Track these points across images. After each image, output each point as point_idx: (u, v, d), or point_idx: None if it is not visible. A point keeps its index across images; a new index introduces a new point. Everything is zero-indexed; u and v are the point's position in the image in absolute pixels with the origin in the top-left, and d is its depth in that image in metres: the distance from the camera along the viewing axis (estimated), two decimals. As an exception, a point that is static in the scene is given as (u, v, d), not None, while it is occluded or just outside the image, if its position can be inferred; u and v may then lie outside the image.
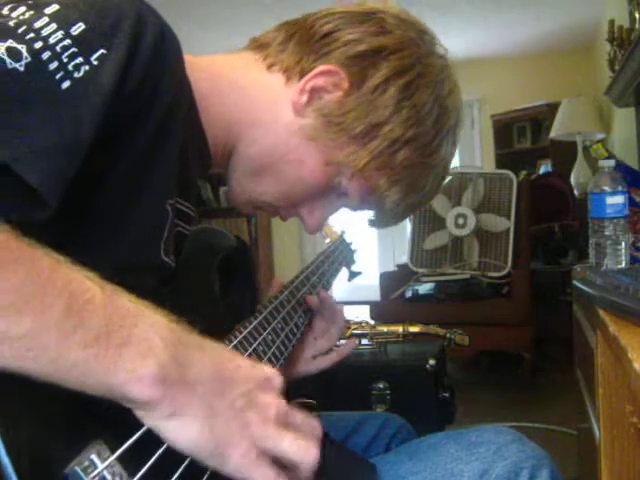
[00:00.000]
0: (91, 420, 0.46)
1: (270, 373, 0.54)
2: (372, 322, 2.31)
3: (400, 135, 0.68)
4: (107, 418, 0.46)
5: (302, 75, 0.69)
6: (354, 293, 5.66)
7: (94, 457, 0.44)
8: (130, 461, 0.46)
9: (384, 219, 0.79)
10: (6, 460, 0.40)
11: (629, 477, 0.98)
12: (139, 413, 0.46)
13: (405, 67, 0.68)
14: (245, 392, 0.51)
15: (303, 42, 0.69)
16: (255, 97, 0.70)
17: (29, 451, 0.42)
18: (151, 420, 0.47)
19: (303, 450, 0.52)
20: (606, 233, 1.24)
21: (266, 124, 0.70)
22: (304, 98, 0.68)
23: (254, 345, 0.69)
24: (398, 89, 0.67)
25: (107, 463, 0.45)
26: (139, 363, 0.44)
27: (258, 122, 0.70)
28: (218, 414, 0.49)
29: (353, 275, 1.33)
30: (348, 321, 2.05)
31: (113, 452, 0.46)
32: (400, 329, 2.02)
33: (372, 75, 0.67)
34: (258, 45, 0.73)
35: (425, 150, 0.71)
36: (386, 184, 0.71)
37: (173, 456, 0.48)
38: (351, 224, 1.35)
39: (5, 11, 0.50)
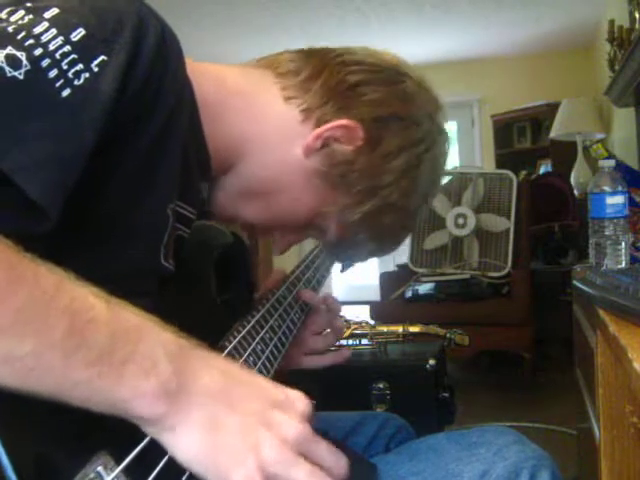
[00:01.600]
0: (95, 430, 0.45)
1: (294, 395, 0.52)
2: (372, 322, 2.31)
3: (394, 201, 0.71)
4: (111, 427, 0.45)
5: (320, 120, 0.68)
6: (354, 293, 5.66)
7: (100, 469, 0.44)
8: (135, 471, 0.46)
9: (350, 258, 0.85)
10: (11, 474, 0.39)
11: (629, 477, 0.98)
12: (143, 427, 0.46)
13: (418, 140, 0.71)
14: (260, 409, 0.49)
15: (329, 87, 0.68)
16: (267, 121, 0.69)
17: (34, 464, 0.41)
18: (154, 433, 0.46)
19: None
20: (606, 233, 1.24)
21: (276, 153, 0.70)
22: (317, 144, 0.68)
23: (252, 345, 0.69)
24: (406, 160, 0.70)
25: (113, 475, 0.44)
26: (142, 380, 0.44)
27: (268, 148, 0.69)
28: (224, 429, 0.47)
29: (346, 266, 1.33)
30: (348, 321, 2.05)
31: (118, 463, 0.45)
32: (400, 329, 2.02)
33: (388, 141, 0.69)
34: (278, 71, 0.71)
35: (408, 216, 0.75)
36: (365, 238, 0.75)
37: (178, 465, 0.48)
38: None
39: (3, 15, 0.49)
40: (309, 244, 1.03)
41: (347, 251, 0.81)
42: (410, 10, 4.24)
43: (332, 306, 0.93)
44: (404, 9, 4.22)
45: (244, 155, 0.70)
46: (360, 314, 2.36)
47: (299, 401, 0.51)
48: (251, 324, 0.71)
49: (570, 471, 1.77)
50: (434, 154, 0.73)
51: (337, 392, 1.69)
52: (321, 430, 0.55)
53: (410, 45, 4.88)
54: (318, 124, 0.68)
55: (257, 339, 0.71)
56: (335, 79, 0.69)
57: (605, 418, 1.03)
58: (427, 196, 0.77)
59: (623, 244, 1.24)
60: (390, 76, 0.71)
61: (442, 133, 0.75)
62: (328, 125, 0.67)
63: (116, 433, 0.46)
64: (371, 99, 0.68)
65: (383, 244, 0.78)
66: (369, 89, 0.69)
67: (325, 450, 0.50)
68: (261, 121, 0.69)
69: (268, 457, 0.47)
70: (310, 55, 0.72)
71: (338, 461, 0.51)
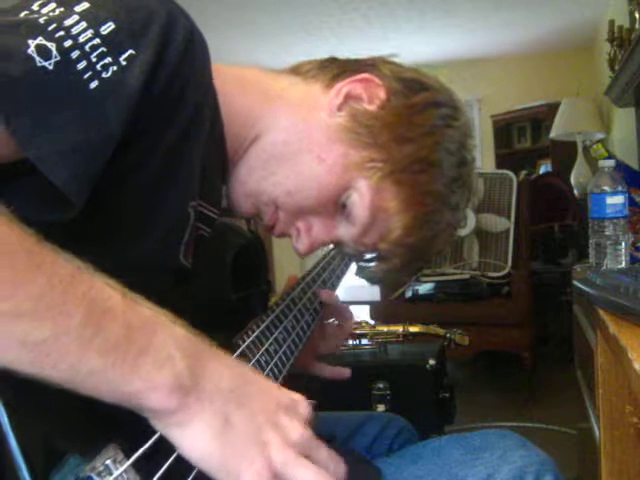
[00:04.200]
0: (106, 422, 0.46)
1: (297, 399, 0.53)
2: (372, 322, 2.31)
3: (427, 155, 0.68)
4: (122, 421, 0.45)
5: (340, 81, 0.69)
6: (354, 293, 5.65)
7: (109, 462, 0.44)
8: (143, 466, 0.46)
9: (378, 267, 0.75)
10: (21, 463, 0.40)
11: (629, 477, 0.98)
12: (153, 421, 0.46)
13: (442, 103, 0.70)
14: (267, 410, 0.50)
15: (348, 62, 0.71)
16: (287, 96, 0.70)
17: (44, 454, 0.42)
18: (164, 428, 0.46)
19: None
20: (606, 233, 1.25)
21: (295, 116, 0.69)
22: (339, 100, 0.68)
23: (266, 345, 0.69)
24: (434, 116, 0.69)
25: (122, 469, 0.45)
26: (156, 372, 0.44)
27: (287, 114, 0.69)
28: (234, 427, 0.48)
29: (362, 269, 1.32)
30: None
31: (127, 457, 0.45)
32: (400, 329, 2.02)
33: (411, 96, 0.68)
34: (298, 70, 0.74)
35: (447, 182, 0.69)
36: (398, 206, 0.68)
37: (186, 461, 0.48)
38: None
39: (35, 7, 0.50)
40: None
41: (380, 254, 0.73)
42: (410, 11, 4.24)
43: (339, 308, 0.93)
44: (404, 10, 4.22)
45: (265, 126, 0.69)
46: (360, 314, 2.36)
47: (301, 405, 0.52)
48: (265, 324, 0.71)
49: (570, 471, 1.77)
50: (459, 126, 0.71)
51: (337, 392, 1.69)
52: (328, 432, 0.55)
53: (410, 45, 4.88)
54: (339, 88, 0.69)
55: (271, 339, 0.70)
56: (354, 60, 0.72)
57: (605, 418, 1.03)
58: (460, 173, 0.71)
59: (623, 244, 1.24)
60: (414, 87, 0.71)
61: (463, 116, 0.73)
62: (347, 80, 0.69)
63: (127, 427, 0.46)
64: (391, 69, 0.70)
65: (421, 221, 0.69)
66: (387, 67, 0.71)
67: (325, 454, 0.51)
68: (281, 97, 0.70)
69: (276, 457, 0.48)
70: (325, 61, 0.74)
71: (337, 466, 0.52)
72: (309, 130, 0.68)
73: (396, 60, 0.74)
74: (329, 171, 0.67)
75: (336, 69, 0.71)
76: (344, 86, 0.68)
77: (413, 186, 0.68)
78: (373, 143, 0.66)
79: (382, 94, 0.68)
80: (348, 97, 0.68)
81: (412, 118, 0.68)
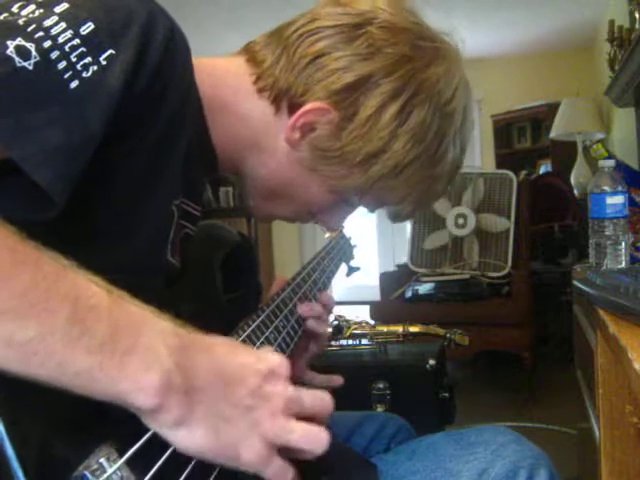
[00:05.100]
0: (98, 422, 0.46)
1: (275, 362, 0.53)
2: (372, 322, 2.31)
3: (400, 160, 0.68)
4: (114, 419, 0.45)
5: (291, 108, 0.68)
6: (354, 293, 5.66)
7: (103, 461, 0.44)
8: (137, 463, 0.46)
9: (402, 216, 0.79)
10: (15, 463, 0.40)
11: (629, 477, 0.98)
12: (145, 419, 0.46)
13: (397, 91, 0.66)
14: (252, 389, 0.51)
15: (289, 69, 0.67)
16: (252, 118, 0.70)
17: (37, 454, 0.42)
18: (157, 426, 0.46)
19: (313, 440, 0.52)
20: (606, 233, 1.25)
21: (267, 150, 0.70)
22: (296, 134, 0.68)
23: (257, 344, 0.69)
24: (391, 116, 0.66)
25: (116, 467, 0.45)
26: (143, 372, 0.44)
27: (259, 146, 0.70)
28: (226, 417, 0.48)
29: (352, 270, 1.33)
30: (348, 321, 2.05)
31: (121, 455, 0.45)
32: (400, 329, 2.02)
33: (363, 105, 0.66)
34: (252, 59, 0.70)
35: (430, 163, 0.70)
36: (395, 199, 0.73)
37: (180, 457, 0.48)
38: (352, 221, 1.34)
39: (15, 9, 0.50)
40: (309, 248, 1.03)
41: (399, 212, 0.77)
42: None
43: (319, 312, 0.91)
44: (404, 9, 4.21)
45: (246, 154, 0.71)
46: (360, 314, 2.36)
47: (280, 366, 0.53)
48: (256, 323, 0.72)
49: (570, 471, 1.78)
50: (427, 93, 0.68)
51: (337, 392, 1.69)
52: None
53: (410, 45, 4.87)
54: (290, 112, 0.68)
55: (262, 338, 0.71)
56: (294, 58, 0.67)
57: (605, 418, 1.03)
58: (444, 132, 0.70)
59: (623, 244, 1.24)
60: (352, 31, 0.66)
61: (431, 66, 0.69)
62: (297, 114, 0.67)
63: (120, 425, 0.46)
64: (334, 68, 0.65)
65: (422, 200, 0.74)
66: (330, 58, 0.66)
67: (309, 399, 0.54)
68: (248, 117, 0.70)
69: (268, 430, 0.50)
70: (272, 36, 0.71)
71: (322, 399, 0.55)
72: (285, 169, 0.71)
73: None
74: (319, 194, 0.72)
75: (282, 81, 0.67)
76: (297, 120, 0.67)
77: (399, 185, 0.70)
78: (346, 169, 0.69)
79: (335, 118, 0.66)
80: (304, 127, 0.67)
81: (371, 133, 0.66)
